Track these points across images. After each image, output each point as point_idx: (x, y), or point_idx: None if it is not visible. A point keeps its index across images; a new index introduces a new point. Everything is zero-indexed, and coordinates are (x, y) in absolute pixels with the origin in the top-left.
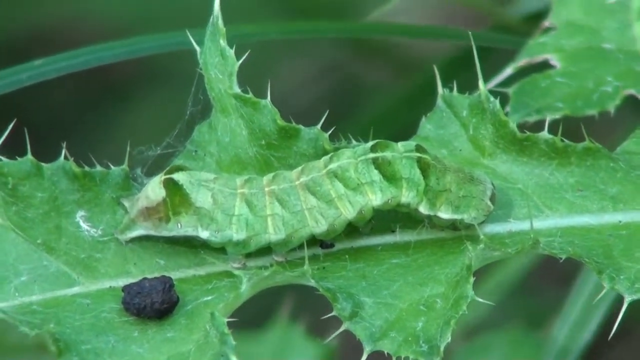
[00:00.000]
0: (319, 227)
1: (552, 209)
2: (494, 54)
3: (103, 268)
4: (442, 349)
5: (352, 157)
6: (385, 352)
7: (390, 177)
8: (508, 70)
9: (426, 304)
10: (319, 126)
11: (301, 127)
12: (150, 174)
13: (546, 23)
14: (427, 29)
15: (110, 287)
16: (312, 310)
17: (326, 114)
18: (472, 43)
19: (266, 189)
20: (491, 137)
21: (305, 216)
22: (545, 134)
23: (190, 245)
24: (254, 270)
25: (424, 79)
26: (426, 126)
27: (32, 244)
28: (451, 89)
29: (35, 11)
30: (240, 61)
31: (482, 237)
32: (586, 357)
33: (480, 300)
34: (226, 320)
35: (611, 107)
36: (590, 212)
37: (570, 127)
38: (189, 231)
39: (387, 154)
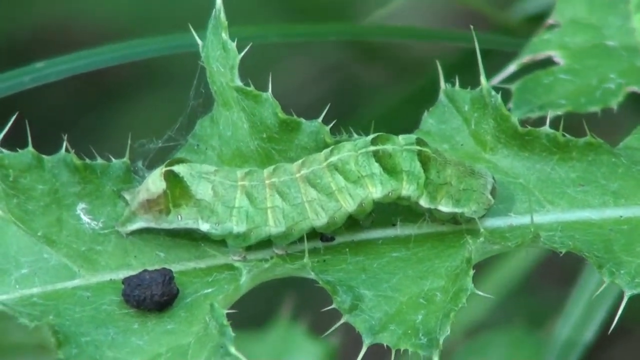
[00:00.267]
0: (320, 219)
1: (553, 204)
2: (495, 56)
3: (103, 260)
4: (441, 341)
5: (353, 149)
6: (385, 345)
7: (391, 170)
8: (511, 67)
9: (426, 297)
10: (320, 119)
11: (302, 120)
12: (152, 166)
13: (550, 20)
14: (428, 31)
15: (111, 279)
16: (314, 309)
17: (327, 109)
18: (475, 40)
19: (267, 182)
20: (493, 132)
21: (305, 209)
22: (546, 128)
23: (191, 237)
24: (254, 263)
25: (425, 81)
26: (428, 120)
27: (32, 236)
28: (453, 84)
29: (35, 12)
30: (242, 54)
31: (482, 230)
32: (587, 356)
33: (480, 293)
34: (225, 312)
35: (614, 104)
36: (592, 207)
37: (572, 124)
38: (189, 223)
39: (388, 147)
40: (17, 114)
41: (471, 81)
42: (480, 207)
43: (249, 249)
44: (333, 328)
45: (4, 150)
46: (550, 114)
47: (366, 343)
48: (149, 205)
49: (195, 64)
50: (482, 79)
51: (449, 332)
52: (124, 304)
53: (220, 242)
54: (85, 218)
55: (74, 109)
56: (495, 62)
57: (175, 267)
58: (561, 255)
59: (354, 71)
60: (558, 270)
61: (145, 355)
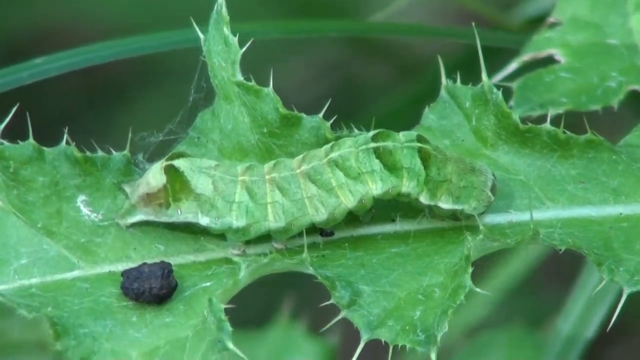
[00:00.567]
0: (319, 215)
1: (553, 201)
2: (496, 54)
3: (103, 252)
4: (439, 338)
5: (353, 146)
6: (383, 340)
7: (391, 166)
8: (513, 65)
9: (424, 293)
10: (320, 115)
11: (303, 115)
12: (152, 159)
13: (551, 19)
14: (429, 29)
15: (110, 271)
16: (313, 308)
17: (327, 105)
18: (477, 37)
19: (267, 177)
20: (493, 128)
21: (305, 204)
22: (547, 125)
23: (190, 231)
24: (253, 257)
25: (426, 79)
26: (429, 116)
27: (32, 227)
28: (454, 81)
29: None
30: (244, 49)
31: (481, 227)
32: (587, 355)
33: (478, 290)
34: (224, 306)
35: (615, 103)
36: (592, 204)
37: (573, 122)
38: (189, 217)
39: (389, 144)
40: (17, 105)
41: (473, 79)
42: (480, 204)
43: (248, 243)
44: (331, 323)
45: (5, 142)
46: (551, 112)
47: (364, 338)
48: (149, 198)
49: (196, 59)
50: (484, 75)
51: (446, 328)
52: (123, 296)
53: (219, 236)
54: (85, 210)
55: (75, 104)
56: (496, 60)
57: (174, 260)
58: (561, 252)
59: (355, 69)
60: (558, 269)
61: (143, 347)
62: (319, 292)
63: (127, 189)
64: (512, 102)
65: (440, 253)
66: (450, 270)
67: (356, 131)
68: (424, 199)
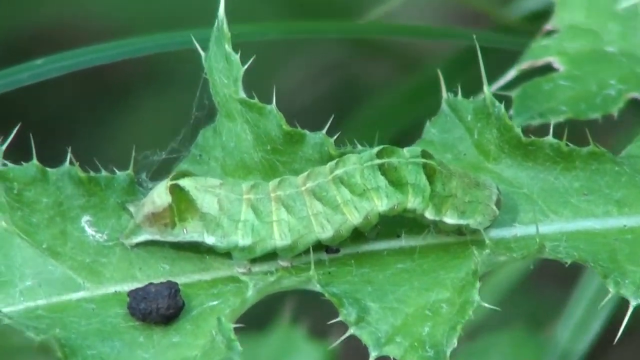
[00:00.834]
0: (325, 232)
1: (557, 214)
2: (496, 53)
3: (108, 273)
4: (448, 354)
5: (358, 162)
6: (392, 357)
7: (396, 182)
8: (511, 73)
9: (432, 309)
10: (324, 131)
11: (306, 132)
12: (155, 178)
13: (549, 26)
14: (429, 29)
15: (116, 291)
16: (314, 312)
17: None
18: (477, 45)
19: (272, 195)
20: (496, 142)
21: (311, 222)
22: (550, 138)
23: (196, 250)
24: (259, 276)
25: (426, 78)
26: (431, 130)
27: (37, 248)
28: (455, 93)
29: (36, 11)
30: (246, 66)
31: (487, 242)
32: (589, 358)
33: (487, 305)
34: (233, 326)
35: (614, 111)
36: (596, 216)
37: (574, 131)
38: (194, 237)
39: (393, 160)
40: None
41: (472, 81)
42: (486, 218)
43: (254, 261)
44: (339, 341)
45: (9, 163)
46: (552, 122)
47: (372, 355)
48: (154, 218)
49: (199, 67)
50: (485, 88)
51: (455, 344)
52: (130, 316)
53: (225, 254)
54: (89, 230)
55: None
56: (496, 60)
57: (180, 280)
58: (567, 265)
59: (354, 70)
60: (559, 272)
61: None
62: (319, 297)
63: (132, 208)
64: (511, 111)
65: (445, 268)
66: (456, 285)
67: (360, 147)
68: (429, 215)
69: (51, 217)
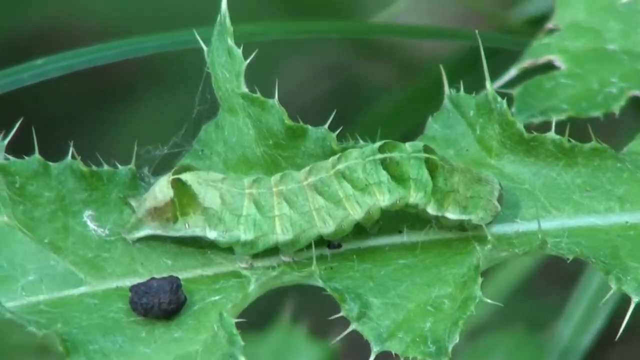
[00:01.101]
0: (327, 227)
1: (559, 210)
2: (498, 54)
3: (110, 268)
4: (450, 349)
5: (360, 157)
6: (393, 352)
7: (398, 177)
8: (512, 71)
9: (434, 304)
10: (326, 126)
11: (309, 127)
12: (158, 173)
13: (550, 24)
14: (431, 30)
15: (118, 287)
16: (315, 311)
17: (329, 109)
18: (480, 42)
19: (274, 189)
20: (498, 138)
21: (313, 217)
22: (552, 134)
23: (198, 245)
24: (261, 271)
25: (429, 80)
26: (433, 126)
27: (39, 243)
28: (458, 89)
29: (36, 10)
30: (248, 61)
31: (489, 237)
32: (589, 358)
33: (489, 301)
34: (234, 320)
35: (616, 109)
36: (598, 212)
37: (576, 129)
38: (196, 231)
39: (395, 155)
40: (22, 119)
41: (474, 82)
42: (487, 214)
43: (256, 256)
44: (340, 337)
45: (11, 157)
46: (554, 119)
47: (374, 351)
48: (156, 212)
49: (201, 65)
50: (488, 84)
51: (457, 340)
52: (131, 311)
53: (227, 249)
54: (91, 225)
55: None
56: (499, 61)
57: (182, 274)
58: (568, 261)
59: (356, 70)
60: (560, 273)
61: None
62: (320, 295)
63: (134, 203)
64: (513, 109)
65: (448, 264)
66: (458, 281)
67: (362, 142)
68: (431, 210)
69: (53, 211)
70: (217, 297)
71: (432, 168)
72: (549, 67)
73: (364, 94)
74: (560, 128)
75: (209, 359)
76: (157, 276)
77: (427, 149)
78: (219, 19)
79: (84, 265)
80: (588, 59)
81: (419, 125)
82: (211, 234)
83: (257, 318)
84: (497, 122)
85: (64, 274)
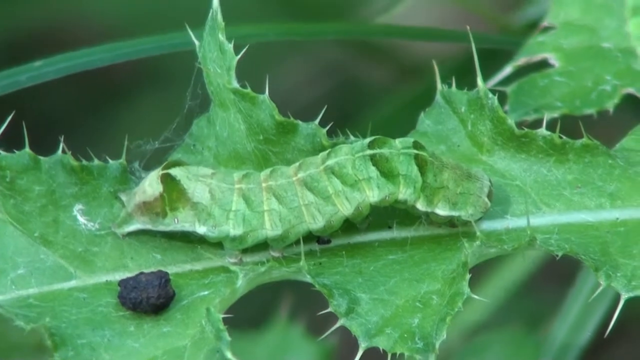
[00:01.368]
0: (316, 223)
1: (549, 206)
2: (497, 56)
3: (100, 262)
4: (437, 345)
5: (350, 153)
6: (381, 348)
7: (388, 173)
8: (507, 69)
9: (422, 300)
10: (316, 122)
11: (299, 122)
12: (148, 167)
13: (544, 23)
14: (428, 32)
15: (107, 281)
16: (311, 309)
17: (324, 111)
18: (472, 40)
19: (263, 185)
20: (489, 134)
21: (302, 212)
22: (543, 130)
23: (187, 240)
24: (250, 266)
25: (424, 83)
26: (425, 121)
27: (29, 237)
28: (450, 85)
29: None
30: (239, 56)
31: (478, 234)
32: (585, 357)
33: (476, 297)
34: (222, 316)
35: (610, 106)
36: (588, 209)
37: (569, 126)
38: (186, 226)
39: (385, 151)
40: (13, 113)
41: (472, 83)
42: (477, 210)
43: (245, 251)
44: (329, 332)
45: (1, 152)
46: (547, 117)
47: (362, 347)
48: (146, 207)
49: (193, 65)
50: (479, 80)
51: (445, 336)
52: (120, 306)
53: (216, 244)
54: (81, 219)
55: (71, 111)
56: (497, 64)
57: (171, 269)
58: (557, 258)
59: (353, 72)
60: (556, 272)
61: (141, 357)
62: (316, 293)
63: (124, 197)
64: (507, 107)
65: (437, 260)
66: (447, 277)
67: (352, 138)
68: (420, 206)
69: (43, 205)
70: (206, 292)
71: (421, 164)
72: (543, 65)
73: (362, 95)
74: (552, 125)
75: (197, 354)
76: (146, 271)
77: (416, 145)
78: (210, 14)
79: (73, 259)
80: (582, 57)
81: (413, 129)
82: (200, 229)
83: (253, 316)
84: (489, 118)
85: (53, 267)
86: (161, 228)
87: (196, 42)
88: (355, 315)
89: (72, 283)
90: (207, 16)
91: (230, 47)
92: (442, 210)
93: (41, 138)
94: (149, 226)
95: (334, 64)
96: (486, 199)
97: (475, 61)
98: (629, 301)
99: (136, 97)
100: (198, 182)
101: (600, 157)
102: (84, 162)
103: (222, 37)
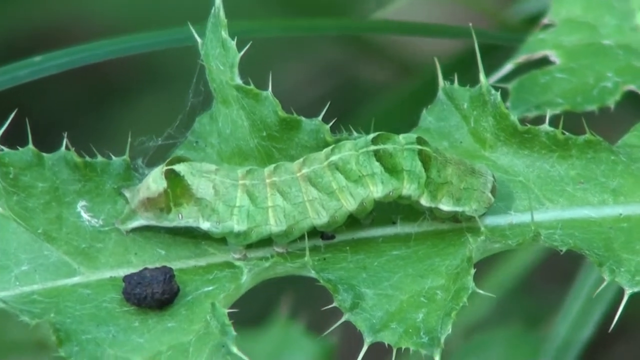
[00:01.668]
0: (320, 218)
1: (553, 202)
2: (496, 52)
3: (104, 258)
4: (442, 340)
5: (354, 149)
6: (386, 343)
7: (392, 169)
8: (508, 66)
9: (427, 295)
10: (320, 118)
11: (302, 118)
12: (152, 164)
13: (545, 20)
14: (427, 27)
15: (111, 277)
16: (312, 307)
17: (326, 108)
18: (474, 36)
19: (267, 181)
20: (492, 130)
21: (306, 208)
22: (546, 126)
23: (191, 235)
24: (254, 261)
25: (426, 78)
26: (427, 118)
27: (33, 233)
28: (452, 82)
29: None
30: (242, 52)
31: (482, 229)
32: (585, 355)
33: (481, 292)
34: (227, 311)
35: (611, 103)
36: (591, 204)
37: (571, 123)
38: (190, 222)
39: (389, 146)
40: (16, 110)
41: (471, 79)
42: (481, 205)
43: (249, 247)
44: (333, 327)
45: (5, 148)
46: (548, 113)
47: (367, 342)
48: (150, 203)
49: (195, 63)
50: (482, 76)
51: (450, 330)
52: (125, 301)
53: (220, 240)
54: (85, 215)
55: (74, 109)
56: (496, 59)
57: (175, 265)
58: (562, 253)
59: (353, 71)
60: (556, 271)
61: (146, 353)
62: (317, 291)
63: (127, 194)
64: (508, 103)
65: (441, 255)
66: (451, 272)
67: (356, 134)
68: (424, 201)
69: (47, 202)
70: (210, 288)
71: (425, 160)
72: (544, 62)
73: (362, 94)
74: (555, 121)
75: (202, 349)
76: (151, 266)
77: (420, 141)
78: (212, 11)
79: (77, 256)
80: (583, 54)
81: (417, 124)
82: (204, 225)
83: (254, 314)
84: (491, 115)
85: (57, 264)
86: (165, 224)
87: (199, 40)
88: (360, 310)
89: (76, 279)
90: (207, 17)
91: (232, 43)
92: (445, 206)
93: (43, 137)
94: (152, 222)
95: (334, 64)
96: (490, 195)
97: (478, 57)
98: (632, 299)
99: (138, 96)
100: (202, 177)
101: (603, 153)
102: (88, 158)
103: (224, 33)
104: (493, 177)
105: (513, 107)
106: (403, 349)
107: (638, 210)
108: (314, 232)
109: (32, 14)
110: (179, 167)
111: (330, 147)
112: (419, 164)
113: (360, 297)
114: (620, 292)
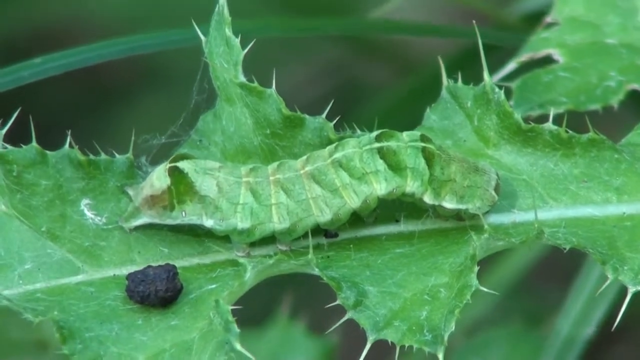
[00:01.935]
0: (324, 216)
1: (556, 200)
2: (496, 51)
3: (107, 256)
4: (446, 338)
5: (357, 146)
6: (389, 341)
7: (395, 166)
8: (511, 65)
9: (430, 293)
10: (323, 115)
11: (306, 116)
12: (155, 162)
13: (548, 19)
14: (429, 27)
15: (115, 275)
16: (313, 306)
17: (330, 104)
18: (478, 35)
19: (271, 178)
20: (496, 128)
21: (310, 205)
22: (549, 125)
23: (195, 233)
24: (258, 259)
25: (426, 77)
26: (431, 117)
27: (36, 231)
28: (455, 80)
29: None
30: (246, 50)
31: (486, 227)
32: (587, 354)
33: (484, 289)
34: (230, 308)
35: (615, 102)
36: (595, 203)
37: (574, 122)
38: (193, 219)
39: (392, 144)
40: (19, 109)
41: (472, 78)
42: (484, 203)
43: (253, 245)
44: (337, 325)
45: (8, 146)
46: (552, 112)
47: (370, 339)
48: (153, 201)
49: (198, 61)
50: (485, 74)
51: (453, 328)
52: (128, 299)
53: (224, 238)
54: (89, 213)
55: (77, 107)
56: (496, 58)
57: (179, 263)
58: (565, 251)
59: (355, 70)
60: (557, 270)
61: (150, 350)
62: (318, 290)
63: (131, 192)
64: (511, 102)
65: (444, 253)
66: (455, 270)
67: (359, 131)
68: (428, 199)
69: (50, 200)
70: (214, 286)
71: (429, 157)
72: (547, 61)
73: (362, 94)
74: (558, 120)
75: (206, 346)
76: (154, 264)
77: (424, 138)
78: (216, 9)
79: (81, 254)
80: (587, 53)
81: (417, 123)
82: (208, 222)
83: (255, 313)
84: (495, 113)
85: (61, 262)
86: (169, 222)
87: (203, 38)
88: (364, 307)
89: (80, 277)
90: (208, 17)
91: (237, 41)
92: (449, 203)
93: (45, 137)
94: (156, 220)
95: (334, 64)
96: (493, 192)
97: (482, 56)
98: (634, 298)
99: (138, 96)
100: (206, 175)
101: (607, 152)
102: (91, 156)
103: (228, 31)
104: (497, 175)
105: (516, 106)
106: (406, 347)
107: None
108: (318, 230)
109: (32, 14)
110: (183, 165)
111: (334, 145)
112: (423, 161)
113: (364, 295)
114: (622, 291)
